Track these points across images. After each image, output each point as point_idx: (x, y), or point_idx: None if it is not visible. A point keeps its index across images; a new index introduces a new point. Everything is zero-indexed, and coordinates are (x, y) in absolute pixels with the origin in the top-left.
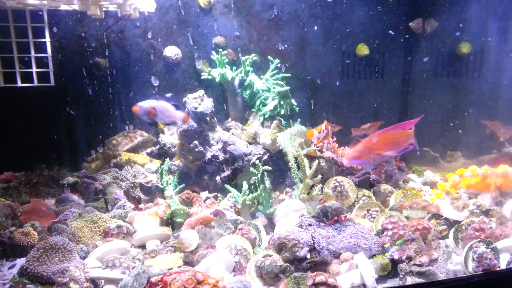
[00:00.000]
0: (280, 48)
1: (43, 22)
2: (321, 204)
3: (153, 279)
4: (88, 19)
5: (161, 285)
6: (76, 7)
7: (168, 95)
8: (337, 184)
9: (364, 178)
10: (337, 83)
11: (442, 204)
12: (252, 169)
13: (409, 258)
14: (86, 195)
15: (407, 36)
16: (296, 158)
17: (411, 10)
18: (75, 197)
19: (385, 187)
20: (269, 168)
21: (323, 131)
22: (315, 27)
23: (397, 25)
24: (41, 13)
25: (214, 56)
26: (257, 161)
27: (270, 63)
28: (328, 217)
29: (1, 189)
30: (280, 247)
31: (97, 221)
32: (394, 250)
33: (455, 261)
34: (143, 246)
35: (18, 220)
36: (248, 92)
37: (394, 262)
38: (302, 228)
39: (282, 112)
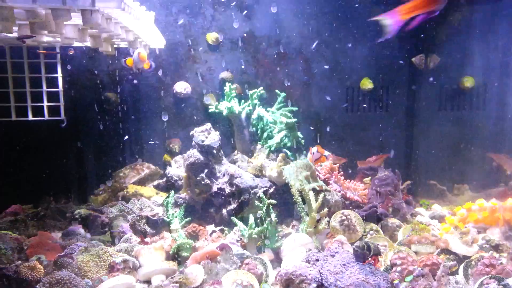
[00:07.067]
0: (286, 85)
1: (56, 58)
2: (328, 238)
3: None
4: (100, 55)
5: None
6: (88, 44)
7: None
8: (344, 217)
9: (371, 211)
10: (342, 117)
11: (451, 238)
12: (257, 202)
13: None
14: (93, 228)
15: (410, 71)
16: (300, 192)
17: (414, 46)
18: (81, 230)
19: (392, 221)
20: (274, 201)
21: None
22: (320, 63)
23: (400, 61)
24: (54, 49)
25: (226, 88)
26: (262, 195)
27: (277, 96)
28: (371, 252)
29: (8, 222)
30: (287, 283)
31: (103, 255)
32: (404, 287)
33: None
34: (148, 281)
35: (24, 253)
36: (259, 125)
37: None
38: (309, 263)
39: (289, 144)
